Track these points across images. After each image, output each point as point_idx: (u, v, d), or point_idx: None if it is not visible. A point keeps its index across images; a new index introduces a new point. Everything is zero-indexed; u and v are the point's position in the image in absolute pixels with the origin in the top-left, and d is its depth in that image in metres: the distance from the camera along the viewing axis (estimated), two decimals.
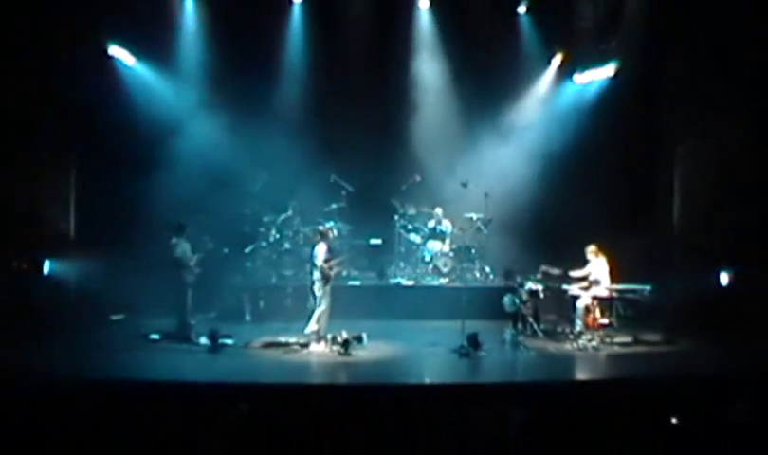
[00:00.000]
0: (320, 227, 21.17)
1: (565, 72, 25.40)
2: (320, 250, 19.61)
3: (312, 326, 19.34)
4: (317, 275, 19.49)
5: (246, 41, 23.76)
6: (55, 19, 20.80)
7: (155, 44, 23.40)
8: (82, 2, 21.56)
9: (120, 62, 23.14)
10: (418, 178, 24.67)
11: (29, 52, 20.24)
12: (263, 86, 23.99)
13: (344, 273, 22.32)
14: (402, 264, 24.70)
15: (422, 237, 24.66)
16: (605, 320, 20.38)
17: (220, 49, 23.63)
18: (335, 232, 22.03)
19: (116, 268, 21.33)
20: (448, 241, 24.53)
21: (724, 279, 21.75)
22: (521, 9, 25.12)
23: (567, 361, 19.19)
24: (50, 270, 21.27)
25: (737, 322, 20.93)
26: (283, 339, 19.56)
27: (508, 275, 21.78)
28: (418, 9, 25.09)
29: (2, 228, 20.22)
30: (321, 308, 19.41)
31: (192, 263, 19.81)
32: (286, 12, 24.53)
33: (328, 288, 19.54)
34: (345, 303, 20.78)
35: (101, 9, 22.05)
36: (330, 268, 19.50)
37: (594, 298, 20.44)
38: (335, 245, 21.62)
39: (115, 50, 22.90)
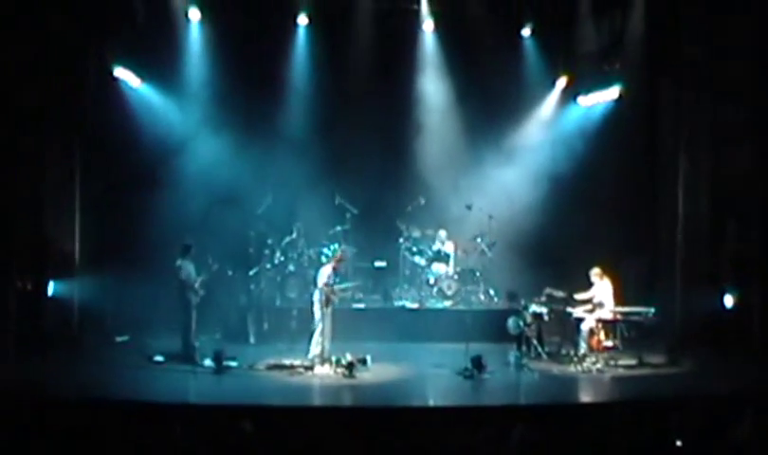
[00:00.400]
0: (340, 251, 21.25)
1: (569, 94, 25.47)
2: (324, 272, 19.64)
3: (314, 350, 19.33)
4: (317, 296, 19.51)
5: (251, 62, 23.92)
6: (60, 41, 20.86)
7: (161, 65, 23.56)
8: (88, 24, 21.66)
9: (126, 83, 23.23)
10: (422, 201, 24.69)
11: (34, 73, 20.27)
12: (267, 108, 24.11)
13: (348, 296, 22.34)
14: (406, 287, 24.67)
15: (426, 259, 24.64)
16: (609, 343, 20.34)
17: (225, 71, 23.74)
18: (347, 256, 21.97)
19: (120, 289, 21.36)
20: (452, 263, 24.52)
21: (729, 301, 21.73)
22: (526, 32, 25.21)
23: (571, 383, 19.16)
24: (55, 291, 21.27)
25: (740, 343, 20.95)
26: (287, 361, 19.52)
27: (512, 297, 21.77)
28: (422, 31, 25.16)
29: (7, 249, 20.23)
30: (319, 330, 19.38)
31: (196, 285, 19.80)
32: (291, 34, 24.63)
33: (328, 310, 19.48)
34: (350, 326, 20.81)
35: (107, 31, 22.23)
36: (332, 292, 19.49)
37: (599, 320, 20.41)
38: (343, 270, 21.66)
39: (120, 72, 22.97)
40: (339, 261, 20.27)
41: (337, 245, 23.43)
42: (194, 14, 23.76)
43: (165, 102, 23.68)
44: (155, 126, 23.13)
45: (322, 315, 19.41)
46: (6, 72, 19.78)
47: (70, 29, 21.16)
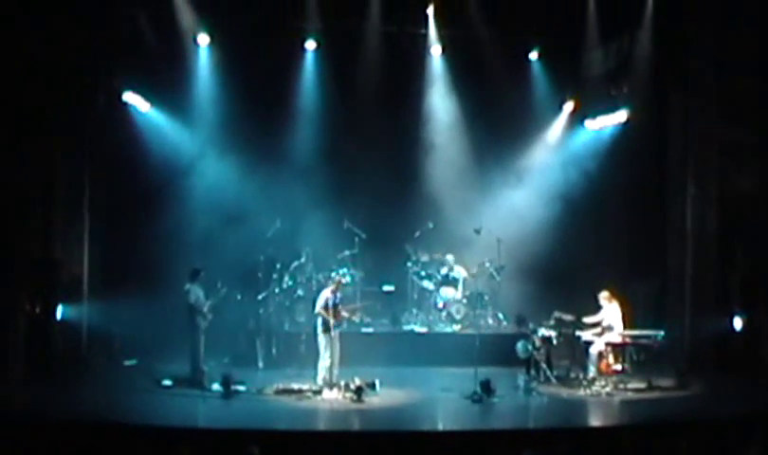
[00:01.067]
0: (335, 276, 21.24)
1: (577, 118, 25.50)
2: (321, 296, 19.66)
3: (321, 375, 19.32)
4: (319, 322, 19.52)
5: (260, 86, 23.94)
6: (70, 67, 20.94)
7: (170, 89, 23.67)
8: (97, 50, 21.76)
9: (135, 108, 23.33)
10: (431, 225, 24.70)
11: (44, 98, 20.36)
12: (276, 132, 24.17)
13: (357, 320, 22.37)
14: (415, 311, 24.63)
15: (435, 284, 24.63)
16: (618, 366, 20.32)
17: (234, 95, 23.74)
18: (344, 281, 21.91)
19: (129, 313, 21.36)
20: (460, 287, 24.50)
21: (738, 324, 21.68)
22: (533, 56, 25.27)
23: (580, 407, 19.11)
24: (63, 314, 21.28)
25: (749, 365, 20.90)
26: (296, 386, 19.47)
27: (521, 321, 21.77)
28: (430, 55, 25.23)
29: (16, 272, 20.28)
30: (323, 355, 19.36)
31: (205, 309, 19.82)
32: (299, 59, 24.69)
33: (331, 335, 19.39)
34: (358, 350, 20.82)
35: (116, 57, 22.33)
36: (333, 316, 19.44)
37: (608, 343, 20.38)
38: (346, 293, 21.67)
39: (129, 97, 23.07)
40: (338, 285, 20.21)
41: (345, 270, 23.47)
42: (203, 39, 23.85)
43: (174, 127, 23.78)
44: (163, 150, 23.26)
45: (326, 340, 19.37)
46: (16, 96, 19.87)
47: (80, 56, 21.22)
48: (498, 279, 24.50)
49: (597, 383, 19.94)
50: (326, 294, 19.66)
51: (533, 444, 14.94)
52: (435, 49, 25.12)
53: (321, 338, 19.40)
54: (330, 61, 24.66)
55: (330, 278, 21.41)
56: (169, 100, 23.66)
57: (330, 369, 19.25)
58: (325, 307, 19.44)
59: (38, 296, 20.90)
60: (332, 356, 19.34)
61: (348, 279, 23.24)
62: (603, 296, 20.71)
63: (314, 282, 23.42)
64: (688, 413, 18.15)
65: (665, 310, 23.18)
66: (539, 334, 20.71)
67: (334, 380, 19.21)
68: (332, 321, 19.41)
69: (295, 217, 23.63)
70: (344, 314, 19.98)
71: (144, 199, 22.94)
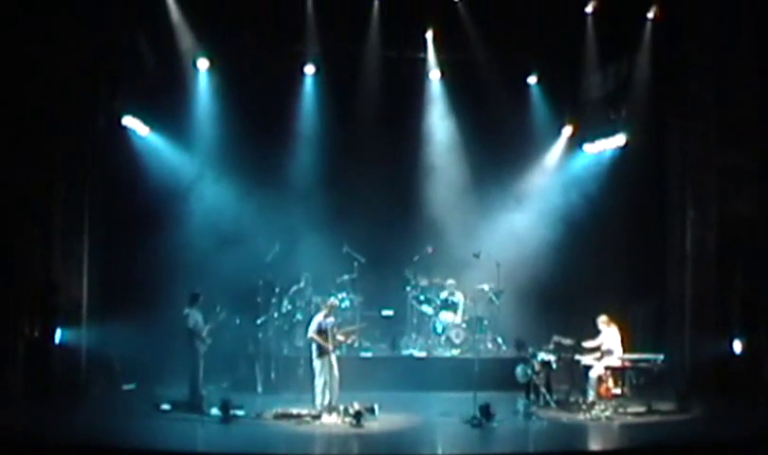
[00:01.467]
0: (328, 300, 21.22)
1: (576, 142, 25.57)
2: (314, 321, 19.62)
3: (318, 399, 19.26)
4: (313, 346, 19.49)
5: (259, 111, 24.04)
6: (70, 90, 20.99)
7: (169, 113, 23.78)
8: (98, 75, 21.82)
9: (134, 132, 23.39)
10: (430, 250, 24.72)
11: (44, 122, 20.41)
12: (275, 155, 24.31)
13: (356, 344, 22.30)
14: (414, 336, 24.61)
15: (434, 308, 24.61)
16: (618, 390, 20.30)
17: (233, 119, 23.90)
18: (336, 304, 21.84)
19: (128, 336, 21.30)
20: (460, 312, 24.47)
21: (738, 347, 21.66)
22: (532, 80, 25.37)
23: (580, 431, 19.04)
24: (62, 338, 21.24)
25: (749, 388, 20.87)
26: (294, 410, 19.41)
27: (520, 345, 21.76)
28: (429, 79, 25.33)
29: (15, 295, 20.27)
30: (319, 381, 19.31)
31: (204, 333, 19.81)
32: (299, 82, 24.81)
33: (328, 359, 19.34)
34: (357, 374, 20.78)
35: (117, 81, 22.38)
36: (326, 340, 19.37)
37: (607, 367, 20.37)
38: (345, 317, 21.65)
39: (128, 121, 23.13)
40: (330, 308, 20.17)
41: (344, 294, 23.46)
42: (203, 63, 23.95)
43: (173, 150, 23.88)
44: (162, 174, 23.35)
45: (320, 365, 19.33)
46: (15, 120, 19.92)
47: (79, 80, 21.28)
48: (497, 303, 24.48)
49: (597, 407, 19.89)
50: (318, 318, 19.63)
51: None
52: (434, 73, 25.23)
53: (316, 363, 19.38)
54: (329, 85, 24.81)
55: (323, 301, 21.41)
56: (168, 124, 23.75)
57: (324, 391, 19.19)
58: (318, 332, 19.40)
59: (37, 319, 20.87)
60: (329, 380, 19.27)
61: (347, 303, 23.30)
62: (601, 320, 20.72)
63: (313, 307, 23.39)
64: (689, 437, 18.13)
65: (664, 333, 23.18)
66: (539, 358, 20.70)
67: (333, 403, 19.15)
68: (330, 345, 19.39)
69: (294, 241, 23.64)
70: (340, 338, 19.97)
71: (143, 223, 22.94)
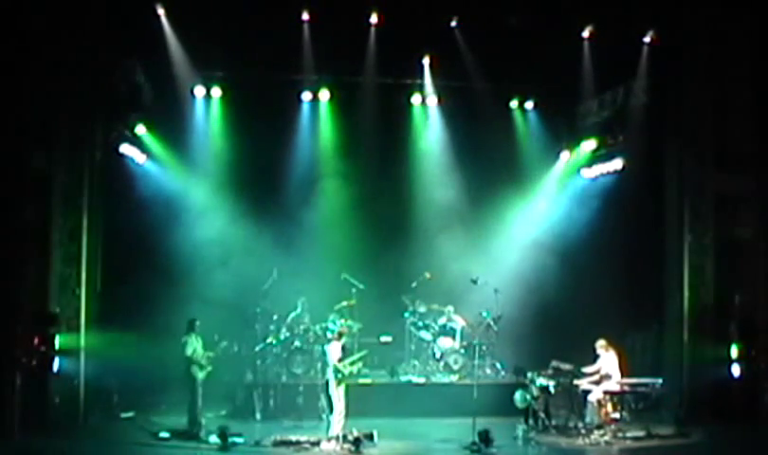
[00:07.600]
0: (337, 327, 21.19)
1: (572, 167, 25.64)
2: (334, 349, 19.56)
3: (336, 428, 19.13)
4: (330, 374, 19.44)
5: (257, 137, 24.21)
6: (68, 120, 21.05)
7: (166, 141, 24.03)
8: (95, 102, 21.87)
9: (132, 160, 23.48)
10: (428, 276, 24.74)
11: (42, 150, 20.48)
12: (272, 182, 24.44)
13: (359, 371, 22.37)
14: (413, 362, 24.59)
15: (432, 334, 24.60)
16: (617, 415, 20.28)
17: (230, 146, 24.18)
18: (346, 331, 21.91)
19: (126, 365, 21.29)
20: (458, 338, 24.47)
21: (736, 371, 21.65)
22: (529, 106, 25.50)
23: None
24: (60, 367, 21.20)
25: (748, 413, 20.87)
26: (293, 438, 19.37)
27: (519, 371, 21.73)
28: (427, 106, 25.45)
29: (12, 325, 20.24)
30: (337, 408, 19.24)
31: (202, 361, 19.82)
32: (296, 110, 25.03)
33: (343, 387, 19.42)
34: (356, 401, 20.67)
35: (113, 108, 22.43)
36: (345, 368, 19.41)
37: (606, 392, 20.35)
38: (343, 344, 21.67)
39: (126, 149, 23.22)
40: (341, 334, 20.19)
41: (342, 321, 23.45)
42: (200, 91, 24.10)
43: (171, 178, 24.00)
44: (160, 202, 23.41)
45: (337, 393, 19.28)
46: (13, 149, 19.98)
47: (77, 109, 21.33)
48: (495, 328, 24.49)
49: (596, 432, 19.88)
50: (336, 347, 19.61)
51: None
52: (431, 100, 25.32)
53: (337, 391, 19.28)
54: (327, 112, 24.91)
55: (329, 329, 21.39)
56: (166, 152, 23.84)
57: (342, 419, 19.16)
58: (340, 359, 19.39)
59: (35, 349, 20.82)
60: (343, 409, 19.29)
61: (355, 328, 23.42)
62: (600, 344, 20.74)
63: (311, 334, 23.41)
64: None
65: (663, 357, 23.17)
66: (538, 383, 20.66)
67: (331, 432, 19.13)
68: (354, 370, 19.42)
69: (292, 268, 23.64)
70: (352, 369, 19.86)
71: (140, 251, 22.98)
